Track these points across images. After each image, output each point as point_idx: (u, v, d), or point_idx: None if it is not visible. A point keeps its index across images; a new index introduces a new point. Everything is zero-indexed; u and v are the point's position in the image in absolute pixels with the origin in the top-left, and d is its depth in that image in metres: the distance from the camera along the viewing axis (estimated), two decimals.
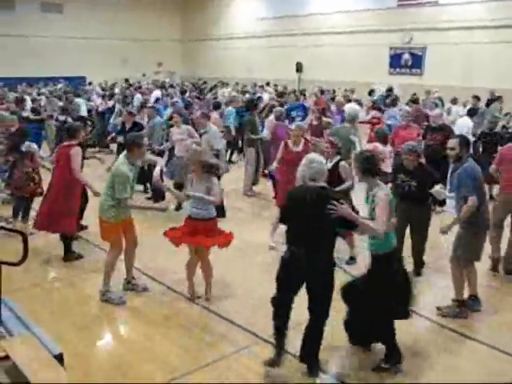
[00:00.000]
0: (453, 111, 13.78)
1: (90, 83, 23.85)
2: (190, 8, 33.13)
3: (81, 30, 28.56)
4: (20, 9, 27.25)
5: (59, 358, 3.35)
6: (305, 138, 8.27)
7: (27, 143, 8.17)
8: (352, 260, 7.02)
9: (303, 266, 4.33)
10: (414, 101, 14.71)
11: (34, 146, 8.34)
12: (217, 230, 5.85)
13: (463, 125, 11.25)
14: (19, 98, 13.33)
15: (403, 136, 9.10)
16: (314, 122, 11.32)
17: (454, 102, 15.13)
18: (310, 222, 4.33)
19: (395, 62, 22.77)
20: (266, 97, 16.65)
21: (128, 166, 5.70)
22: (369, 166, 4.61)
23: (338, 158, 6.79)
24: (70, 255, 7.12)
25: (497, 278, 6.68)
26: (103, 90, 20.23)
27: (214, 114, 11.47)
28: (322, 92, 17.92)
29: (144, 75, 29.17)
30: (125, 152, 5.84)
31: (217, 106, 12.74)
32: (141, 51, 30.68)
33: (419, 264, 6.67)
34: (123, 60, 29.75)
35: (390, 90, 18.40)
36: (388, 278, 4.49)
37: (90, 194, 7.38)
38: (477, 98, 13.85)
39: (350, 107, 12.23)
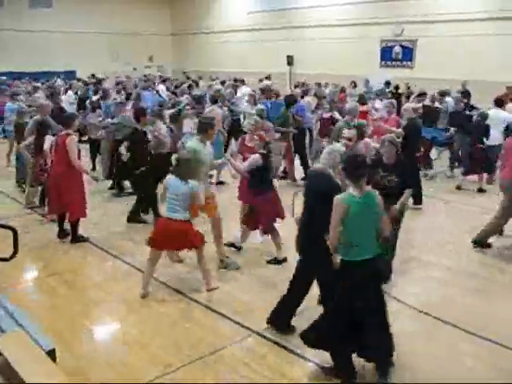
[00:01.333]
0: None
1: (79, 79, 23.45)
2: (180, 1, 32.97)
3: (70, 23, 28.30)
4: (9, 3, 26.93)
5: (51, 354, 3.33)
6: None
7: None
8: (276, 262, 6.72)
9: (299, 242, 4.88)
10: (420, 94, 14.51)
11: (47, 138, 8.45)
12: (191, 231, 5.80)
13: (499, 117, 10.45)
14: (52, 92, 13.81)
15: (379, 129, 9.17)
16: (325, 115, 11.31)
17: (443, 94, 15.13)
18: (307, 202, 4.78)
19: (386, 54, 22.75)
20: (244, 90, 16.49)
21: (200, 143, 6.32)
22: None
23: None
24: (77, 238, 7.49)
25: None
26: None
27: (217, 109, 11.07)
28: (303, 85, 17.96)
29: (135, 69, 29.01)
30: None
31: (215, 101, 11.75)
32: (131, 45, 30.51)
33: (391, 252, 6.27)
34: (114, 54, 29.53)
35: (387, 83, 18.15)
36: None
37: None
38: (444, 94, 13.75)
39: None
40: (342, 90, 16.41)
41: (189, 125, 9.24)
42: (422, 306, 5.64)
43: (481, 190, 10.23)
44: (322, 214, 4.34)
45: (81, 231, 7.63)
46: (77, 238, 7.50)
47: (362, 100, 13.46)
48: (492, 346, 4.88)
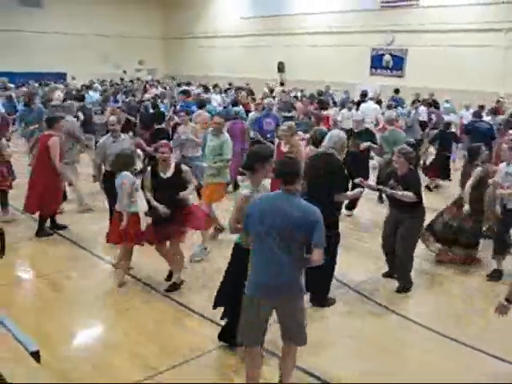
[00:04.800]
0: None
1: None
2: (172, 5, 32.95)
3: (61, 25, 28.19)
4: None
5: (35, 355, 3.31)
6: None
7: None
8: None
9: None
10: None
11: (3, 141, 8.42)
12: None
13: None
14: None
15: None
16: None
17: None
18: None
19: (376, 63, 22.93)
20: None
21: None
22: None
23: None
24: (43, 232, 7.73)
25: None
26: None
27: (203, 113, 10.73)
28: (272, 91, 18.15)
29: (125, 72, 28.94)
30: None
31: (202, 105, 11.43)
32: (122, 48, 30.38)
33: (402, 278, 6.23)
34: (104, 57, 29.41)
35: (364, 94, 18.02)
36: None
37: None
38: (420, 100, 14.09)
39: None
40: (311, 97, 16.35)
41: (183, 130, 9.14)
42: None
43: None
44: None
45: (68, 236, 7.72)
46: (43, 232, 7.73)
47: (323, 105, 13.63)
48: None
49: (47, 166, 7.47)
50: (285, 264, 3.72)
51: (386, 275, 6.51)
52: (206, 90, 18.60)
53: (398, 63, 22.19)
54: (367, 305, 5.89)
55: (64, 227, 7.99)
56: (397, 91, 17.80)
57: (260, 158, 4.42)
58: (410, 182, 5.98)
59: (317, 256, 3.67)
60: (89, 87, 19.85)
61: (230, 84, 22.16)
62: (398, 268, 6.25)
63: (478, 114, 11.73)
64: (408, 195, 5.87)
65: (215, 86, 20.71)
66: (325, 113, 13.18)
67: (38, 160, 7.69)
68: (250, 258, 3.89)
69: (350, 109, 13.16)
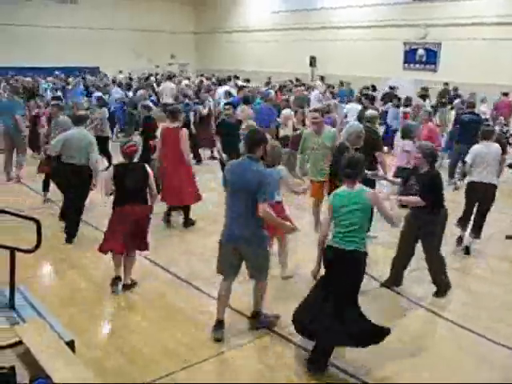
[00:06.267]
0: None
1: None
2: (204, 0, 33.10)
3: (95, 20, 28.63)
4: None
5: (71, 345, 3.38)
6: None
7: None
8: None
9: None
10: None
11: None
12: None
13: None
14: None
15: None
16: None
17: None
18: None
19: (410, 57, 22.64)
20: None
21: None
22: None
23: None
24: (189, 222, 8.03)
25: None
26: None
27: (247, 109, 10.85)
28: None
29: (157, 66, 29.19)
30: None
31: (247, 100, 11.44)
32: (154, 43, 30.70)
33: (436, 281, 5.90)
34: (137, 51, 29.73)
35: (391, 88, 17.54)
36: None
37: None
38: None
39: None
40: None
41: None
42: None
43: None
44: None
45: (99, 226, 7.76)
46: (189, 222, 8.06)
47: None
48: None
49: (178, 156, 7.53)
50: (246, 217, 4.55)
51: (386, 284, 6.07)
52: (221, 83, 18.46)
53: (431, 57, 21.85)
54: (399, 301, 5.85)
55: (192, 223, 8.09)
56: (446, 85, 17.65)
57: None
58: (422, 183, 5.57)
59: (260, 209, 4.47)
60: (114, 82, 19.83)
61: (269, 78, 21.33)
62: (429, 271, 5.92)
63: (471, 106, 10.87)
64: (411, 200, 5.60)
65: (229, 78, 20.12)
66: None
67: (170, 151, 7.61)
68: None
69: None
